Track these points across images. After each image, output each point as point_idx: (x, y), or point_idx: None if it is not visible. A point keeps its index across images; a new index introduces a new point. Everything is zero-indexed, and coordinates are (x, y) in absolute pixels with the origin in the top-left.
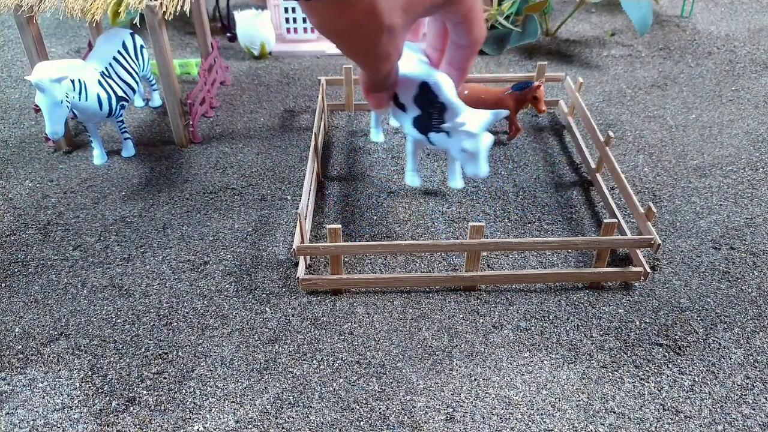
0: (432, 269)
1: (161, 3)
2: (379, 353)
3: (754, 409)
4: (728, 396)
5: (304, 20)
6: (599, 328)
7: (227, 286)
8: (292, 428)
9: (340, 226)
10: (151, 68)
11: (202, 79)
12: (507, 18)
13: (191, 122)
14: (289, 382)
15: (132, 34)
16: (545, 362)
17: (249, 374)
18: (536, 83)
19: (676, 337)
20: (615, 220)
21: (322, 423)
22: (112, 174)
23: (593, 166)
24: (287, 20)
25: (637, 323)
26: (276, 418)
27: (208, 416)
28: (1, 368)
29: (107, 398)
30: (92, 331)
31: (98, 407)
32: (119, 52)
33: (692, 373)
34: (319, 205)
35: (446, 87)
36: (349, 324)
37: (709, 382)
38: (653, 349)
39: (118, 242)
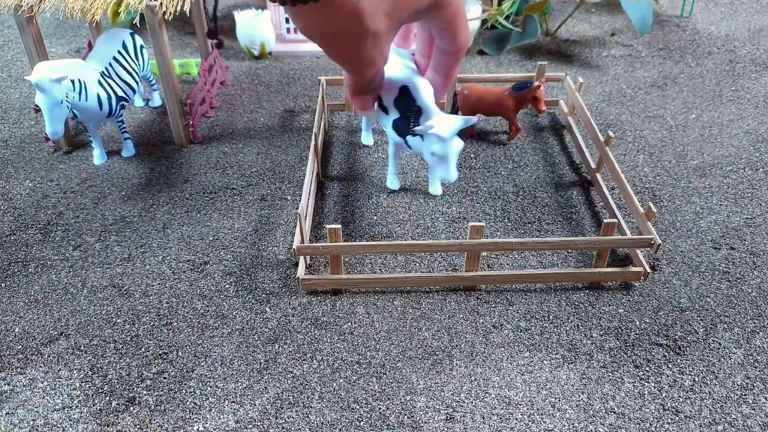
0: (432, 269)
1: (161, 3)
2: (379, 353)
3: (754, 409)
4: (728, 396)
5: None
6: (599, 328)
7: (227, 286)
8: (292, 428)
9: (340, 226)
10: (151, 68)
11: (202, 79)
12: (507, 18)
13: (191, 122)
14: (289, 382)
15: (132, 34)
16: (545, 362)
17: (249, 374)
18: (536, 83)
19: (676, 337)
20: (615, 220)
21: (322, 423)
22: (112, 174)
23: (593, 166)
24: (287, 20)
25: (637, 323)
26: (276, 418)
27: (208, 416)
28: (1, 368)
29: (107, 398)
30: (92, 331)
31: (98, 407)
32: (119, 52)
33: (692, 373)
34: (319, 205)
35: (424, 91)
36: (349, 324)
37: (709, 382)
38: (653, 349)
39: (118, 242)
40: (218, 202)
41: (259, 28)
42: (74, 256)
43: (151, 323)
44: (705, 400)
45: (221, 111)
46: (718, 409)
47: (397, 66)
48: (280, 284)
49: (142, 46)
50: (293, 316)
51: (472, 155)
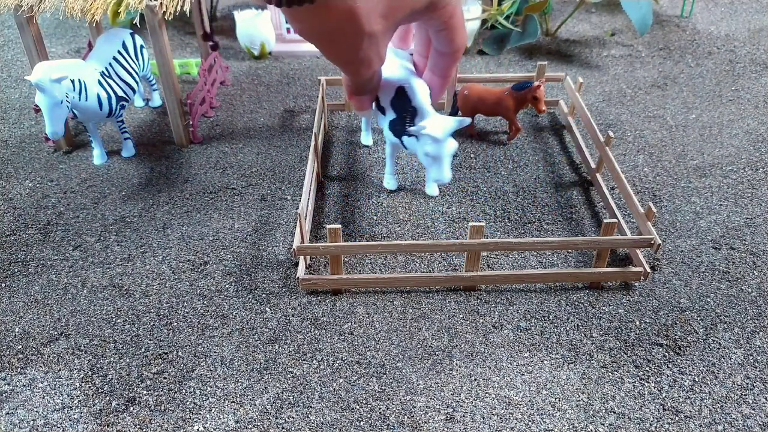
0: (432, 269)
1: (161, 3)
2: (379, 353)
3: (754, 409)
4: (728, 396)
5: None
6: (599, 328)
7: (227, 286)
8: (292, 428)
9: (340, 226)
10: (151, 68)
11: (202, 79)
12: (507, 18)
13: (191, 122)
14: (289, 382)
15: (132, 34)
16: (545, 362)
17: (249, 374)
18: (536, 83)
19: (676, 337)
20: (615, 220)
21: (322, 423)
22: (112, 174)
23: (593, 166)
24: (287, 20)
25: (637, 323)
26: (276, 418)
27: (208, 416)
28: (1, 368)
29: (107, 398)
30: (92, 331)
31: (98, 407)
32: (119, 52)
33: (692, 373)
34: (319, 205)
35: (420, 92)
36: (349, 324)
37: (709, 382)
38: (653, 349)
39: (118, 242)
40: (218, 202)
41: (259, 28)
42: (74, 256)
43: (151, 323)
44: (705, 400)
45: (221, 111)
46: (718, 409)
47: (394, 67)
48: (280, 284)
49: (142, 46)
50: (293, 316)
51: (472, 155)
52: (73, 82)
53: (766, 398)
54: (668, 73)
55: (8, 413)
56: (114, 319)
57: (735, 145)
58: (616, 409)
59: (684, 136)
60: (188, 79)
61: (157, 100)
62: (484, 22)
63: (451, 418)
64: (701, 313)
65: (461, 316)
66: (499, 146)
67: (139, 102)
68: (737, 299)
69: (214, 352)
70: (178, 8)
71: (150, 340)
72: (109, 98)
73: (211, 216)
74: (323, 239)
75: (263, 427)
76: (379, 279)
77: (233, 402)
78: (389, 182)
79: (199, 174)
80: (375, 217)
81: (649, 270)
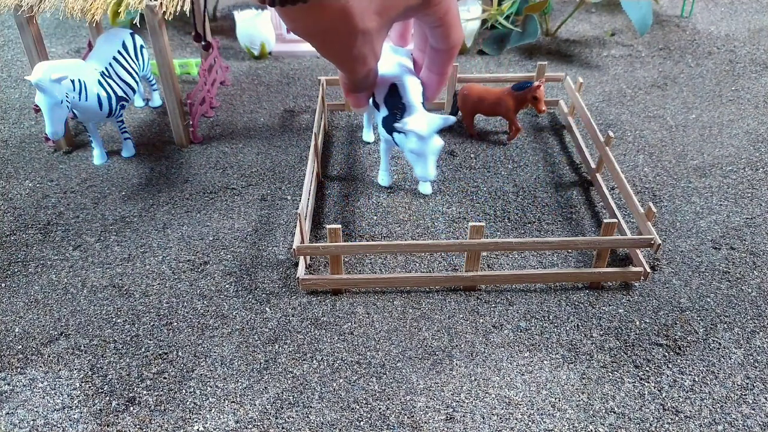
0: (432, 269)
1: (161, 3)
2: (379, 353)
3: (754, 409)
4: (728, 396)
5: None
6: (599, 328)
7: (227, 286)
8: (292, 428)
9: (340, 226)
10: (151, 68)
11: (202, 79)
12: (507, 18)
13: (191, 122)
14: (289, 382)
15: (132, 34)
16: (545, 362)
17: (249, 374)
18: (536, 83)
19: (676, 337)
20: (615, 220)
21: (322, 423)
22: (112, 174)
23: (593, 166)
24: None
25: (637, 323)
26: (276, 418)
27: (208, 416)
28: (1, 368)
29: (107, 398)
30: (92, 331)
31: (98, 407)
32: (119, 52)
33: (692, 373)
34: (319, 205)
35: (411, 89)
36: (349, 324)
37: (709, 382)
38: (653, 349)
39: (118, 242)
40: (218, 202)
41: (259, 28)
42: (74, 256)
43: (151, 323)
44: (705, 400)
45: (221, 111)
46: (718, 409)
47: (390, 63)
48: (280, 284)
49: (142, 46)
50: (293, 316)
51: (472, 155)
52: (73, 82)
53: (766, 398)
54: (668, 73)
55: (8, 413)
56: (114, 319)
57: (735, 145)
58: (616, 409)
59: (684, 136)
60: (188, 79)
61: (157, 100)
62: (484, 22)
63: (451, 418)
64: (701, 313)
65: (461, 316)
66: (499, 146)
67: (139, 102)
68: (737, 299)
69: (214, 352)
70: (178, 8)
71: (150, 340)
72: (109, 98)
73: (211, 216)
74: (323, 239)
75: (263, 427)
76: (379, 279)
77: (233, 402)
78: (383, 178)
79: (199, 174)
80: (375, 217)
81: (649, 270)
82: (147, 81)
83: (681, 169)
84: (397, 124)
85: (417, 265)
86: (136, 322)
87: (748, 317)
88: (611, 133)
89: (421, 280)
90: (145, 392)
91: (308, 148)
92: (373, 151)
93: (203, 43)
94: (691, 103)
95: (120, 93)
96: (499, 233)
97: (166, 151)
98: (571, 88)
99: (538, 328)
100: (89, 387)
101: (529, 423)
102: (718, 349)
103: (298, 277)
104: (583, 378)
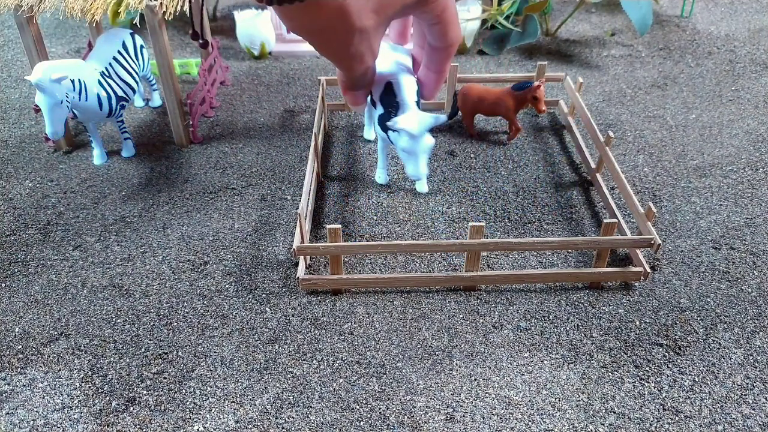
0: (432, 269)
1: (161, 3)
2: (379, 353)
3: (754, 409)
4: (728, 396)
5: None
6: (599, 328)
7: (227, 286)
8: (292, 428)
9: (340, 226)
10: (151, 68)
11: (202, 79)
12: (507, 18)
13: (191, 122)
14: (289, 382)
15: (132, 34)
16: (545, 362)
17: (249, 374)
18: (536, 83)
19: (676, 337)
20: (615, 220)
21: (322, 423)
22: (112, 174)
23: (593, 166)
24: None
25: (637, 323)
26: (276, 418)
27: (208, 416)
28: (1, 368)
29: (107, 398)
30: (92, 331)
31: (98, 407)
32: (119, 52)
33: (692, 373)
34: (319, 205)
35: (406, 87)
36: (349, 324)
37: (709, 382)
38: (653, 349)
39: (118, 242)
40: (218, 202)
41: (259, 28)
42: (74, 256)
43: (151, 323)
44: (705, 400)
45: (221, 111)
46: (718, 409)
47: (387, 61)
48: (280, 284)
49: (142, 46)
50: (293, 316)
51: (472, 155)
52: (73, 82)
53: (766, 398)
54: (668, 73)
55: (8, 413)
56: (114, 319)
57: (735, 145)
58: (616, 409)
59: (684, 136)
60: (188, 79)
61: (157, 100)
62: (484, 22)
63: (451, 418)
64: (701, 313)
65: (461, 316)
66: (499, 146)
67: (139, 102)
68: (737, 299)
69: (214, 352)
70: (178, 8)
71: (150, 340)
72: (109, 98)
73: (211, 216)
74: (323, 239)
75: (263, 427)
76: (379, 279)
77: (233, 402)
78: (380, 176)
79: (199, 174)
80: (375, 217)
81: (649, 270)
82: (147, 81)
83: (681, 169)
84: (388, 123)
85: (417, 265)
86: (136, 322)
87: (748, 317)
88: (611, 133)
89: (421, 280)
90: (145, 392)
91: (308, 148)
92: (373, 151)
93: (200, 41)
94: (691, 103)
95: (120, 93)
96: (499, 233)
97: (166, 151)
98: (571, 88)
99: (538, 328)
100: (89, 387)
101: (529, 423)
102: (718, 349)
103: (298, 277)
104: (583, 378)
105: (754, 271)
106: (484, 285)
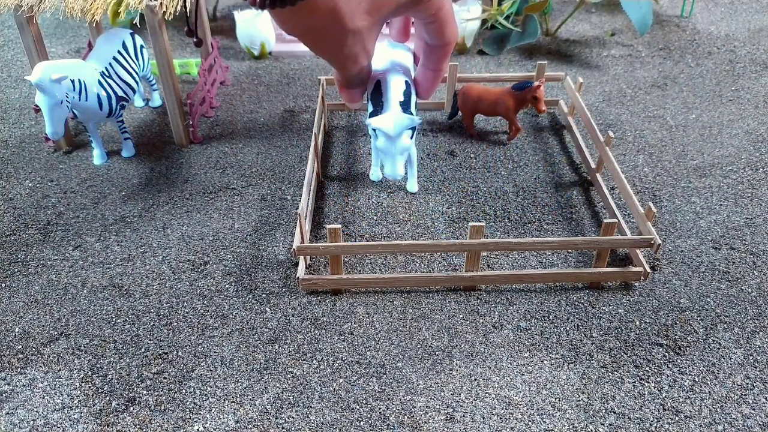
0: (432, 269)
1: (161, 3)
2: (379, 353)
3: (754, 409)
4: (728, 396)
5: None
6: (599, 328)
7: (227, 286)
8: (292, 428)
9: (340, 226)
10: (151, 68)
11: (202, 79)
12: (507, 18)
13: (191, 122)
14: (289, 382)
15: (132, 34)
16: (545, 362)
17: (249, 374)
18: (536, 83)
19: (676, 337)
20: (615, 220)
21: (322, 423)
22: (112, 174)
23: (593, 166)
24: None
25: (637, 323)
26: (276, 418)
27: (208, 416)
28: (1, 368)
29: (107, 398)
30: (92, 331)
31: (98, 407)
32: (119, 52)
33: (692, 373)
34: (319, 205)
35: (393, 87)
36: (349, 324)
37: (709, 382)
38: (653, 349)
39: (118, 242)
40: (218, 202)
41: (259, 28)
42: (74, 256)
43: (151, 323)
44: (705, 400)
45: (221, 111)
46: (718, 409)
47: (383, 60)
48: (280, 284)
49: (142, 46)
50: (293, 316)
51: (472, 155)
52: (73, 82)
53: (766, 398)
54: (668, 73)
55: (8, 413)
56: (114, 319)
57: (735, 145)
58: (616, 409)
59: (684, 136)
60: (188, 79)
61: (157, 100)
62: (484, 22)
63: (451, 418)
64: (701, 313)
65: (461, 316)
66: (499, 146)
67: (139, 102)
68: (737, 299)
69: (214, 352)
70: (178, 8)
71: (150, 340)
72: (109, 98)
73: (211, 216)
74: (323, 239)
75: (263, 427)
76: (379, 279)
77: (233, 402)
78: (374, 173)
79: (199, 174)
80: (375, 217)
81: (649, 270)
82: (147, 81)
83: (681, 169)
84: (366, 121)
85: (417, 265)
86: (136, 322)
87: (748, 317)
88: (611, 133)
89: (421, 280)
90: (145, 392)
91: (308, 148)
92: None
93: (195, 39)
94: (691, 103)
95: (120, 93)
96: (499, 233)
97: (166, 151)
98: (571, 88)
99: (538, 328)
100: (89, 387)
101: (529, 423)
102: (718, 349)
103: (298, 277)
104: (583, 378)
105: (754, 271)
106: (484, 285)
